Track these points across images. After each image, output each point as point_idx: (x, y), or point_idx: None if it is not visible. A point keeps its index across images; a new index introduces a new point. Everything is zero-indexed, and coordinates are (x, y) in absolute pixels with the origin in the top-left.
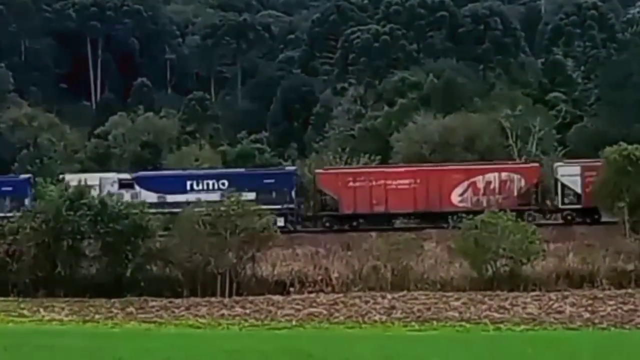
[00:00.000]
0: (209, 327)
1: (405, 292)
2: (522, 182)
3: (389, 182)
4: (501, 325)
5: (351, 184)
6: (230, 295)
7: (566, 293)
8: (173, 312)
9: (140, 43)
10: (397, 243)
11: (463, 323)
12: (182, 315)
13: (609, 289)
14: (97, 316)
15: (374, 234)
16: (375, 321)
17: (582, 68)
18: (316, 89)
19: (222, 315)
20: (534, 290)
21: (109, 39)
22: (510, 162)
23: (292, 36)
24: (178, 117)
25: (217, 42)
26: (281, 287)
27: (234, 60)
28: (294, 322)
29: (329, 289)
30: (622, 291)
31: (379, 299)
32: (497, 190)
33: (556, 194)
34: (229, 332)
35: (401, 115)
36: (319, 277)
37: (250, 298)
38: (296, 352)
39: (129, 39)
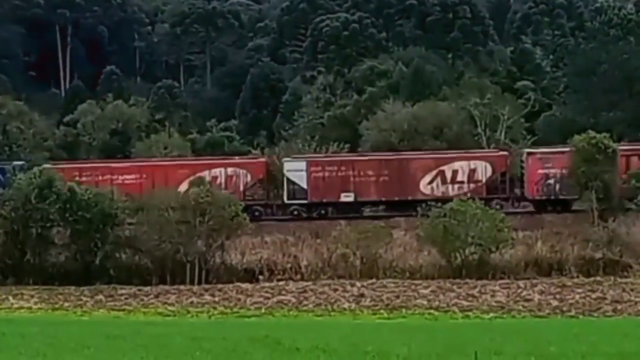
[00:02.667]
0: (178, 315)
1: (374, 280)
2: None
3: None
4: (470, 313)
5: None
6: (199, 283)
7: (535, 281)
8: (142, 299)
9: (109, 31)
10: (366, 231)
11: (432, 311)
12: (151, 303)
13: (577, 277)
14: (66, 304)
15: (343, 222)
16: (344, 309)
17: (551, 56)
18: (285, 77)
19: (191, 303)
20: (502, 278)
21: (77, 27)
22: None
23: (261, 24)
24: (147, 105)
25: (186, 30)
26: (250, 275)
27: (203, 48)
28: (263, 310)
29: (298, 277)
30: (591, 279)
31: (348, 287)
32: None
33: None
34: (198, 319)
35: (370, 104)
36: (288, 265)
37: (220, 286)
38: (265, 340)
39: (98, 27)
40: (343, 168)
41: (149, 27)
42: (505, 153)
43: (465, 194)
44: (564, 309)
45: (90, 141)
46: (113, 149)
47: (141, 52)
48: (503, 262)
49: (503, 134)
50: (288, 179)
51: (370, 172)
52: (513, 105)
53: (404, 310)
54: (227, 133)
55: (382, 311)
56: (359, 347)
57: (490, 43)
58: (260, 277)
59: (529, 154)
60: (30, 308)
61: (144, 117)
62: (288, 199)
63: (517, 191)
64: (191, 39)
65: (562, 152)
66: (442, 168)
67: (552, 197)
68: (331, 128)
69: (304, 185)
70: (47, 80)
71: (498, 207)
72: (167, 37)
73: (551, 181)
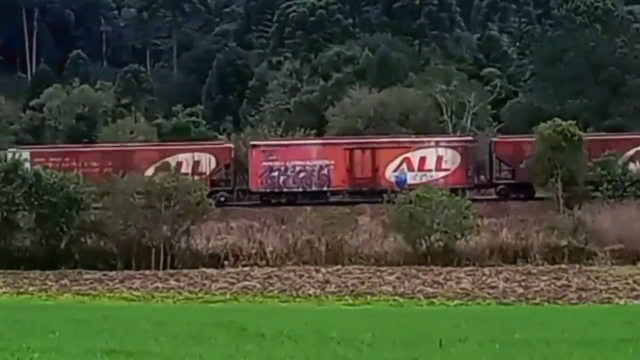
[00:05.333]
0: (143, 300)
1: (339, 266)
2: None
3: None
4: (434, 300)
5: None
6: (164, 268)
7: (500, 268)
8: (107, 284)
9: (75, 15)
10: (331, 217)
11: (396, 297)
12: (116, 288)
13: (543, 265)
14: (31, 288)
15: (308, 208)
16: (309, 295)
17: (518, 44)
18: (252, 63)
19: (156, 288)
20: (467, 265)
21: (44, 11)
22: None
23: (227, 9)
24: (113, 89)
25: (152, 15)
26: (215, 261)
27: (170, 33)
28: (228, 296)
29: (264, 262)
30: (556, 267)
31: (313, 273)
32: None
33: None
34: (163, 304)
35: (336, 90)
36: (254, 251)
37: (185, 271)
38: (230, 325)
39: (65, 11)
40: (67, 159)
41: (116, 12)
42: (230, 145)
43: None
44: (529, 296)
45: (56, 125)
46: (79, 133)
47: (108, 36)
48: (468, 249)
49: (469, 121)
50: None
51: (94, 164)
52: (479, 92)
53: (369, 297)
54: (193, 118)
55: (347, 297)
56: (323, 333)
57: (457, 30)
58: (226, 262)
59: (252, 146)
60: None
61: (110, 102)
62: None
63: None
64: (158, 23)
65: (287, 145)
66: (167, 159)
67: (277, 190)
68: (297, 114)
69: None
70: (13, 64)
71: (222, 199)
72: (134, 22)
73: (275, 173)
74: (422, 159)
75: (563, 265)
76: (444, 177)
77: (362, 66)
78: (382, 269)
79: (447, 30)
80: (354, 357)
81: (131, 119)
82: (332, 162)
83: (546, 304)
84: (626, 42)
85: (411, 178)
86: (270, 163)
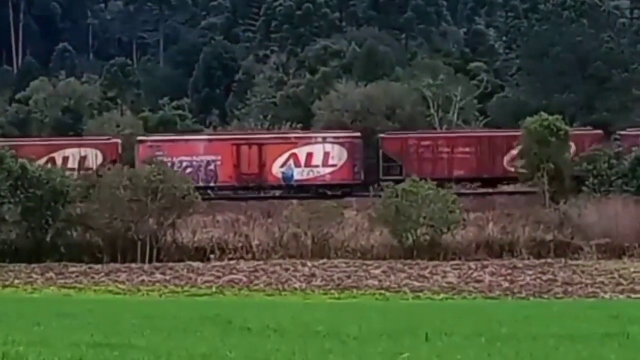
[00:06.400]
0: (129, 293)
1: (325, 260)
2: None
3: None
4: (420, 294)
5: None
6: (150, 262)
7: (486, 262)
8: (93, 277)
9: (62, 8)
10: (317, 211)
11: (382, 291)
12: (102, 281)
13: (528, 259)
14: (16, 281)
15: (294, 201)
16: (295, 289)
17: (504, 38)
18: (238, 56)
19: (142, 281)
20: (453, 259)
21: (30, 4)
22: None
23: (214, 3)
24: (99, 82)
25: (139, 8)
26: (201, 254)
27: (156, 27)
28: (214, 289)
29: (249, 256)
30: (541, 261)
31: (299, 267)
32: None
33: None
34: (149, 298)
35: (323, 83)
36: (240, 244)
37: (170, 264)
38: (216, 319)
39: (51, 3)
40: None
41: (102, 5)
42: (117, 140)
43: (75, 180)
44: (515, 290)
45: (42, 118)
46: (65, 126)
47: (94, 29)
48: (454, 243)
49: (455, 115)
50: None
51: None
52: (466, 86)
53: (354, 290)
54: (180, 111)
55: (333, 291)
56: (309, 327)
57: (444, 24)
58: (212, 256)
59: (139, 141)
60: None
61: (96, 95)
62: None
63: None
64: (144, 17)
65: (173, 140)
66: (53, 155)
67: None
68: (284, 107)
69: None
70: None
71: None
72: (121, 15)
73: None
74: (309, 155)
75: (549, 260)
76: (330, 173)
77: (348, 60)
78: (368, 262)
79: (434, 25)
80: (339, 350)
81: (117, 112)
82: (219, 157)
83: (532, 298)
84: (612, 37)
85: (298, 174)
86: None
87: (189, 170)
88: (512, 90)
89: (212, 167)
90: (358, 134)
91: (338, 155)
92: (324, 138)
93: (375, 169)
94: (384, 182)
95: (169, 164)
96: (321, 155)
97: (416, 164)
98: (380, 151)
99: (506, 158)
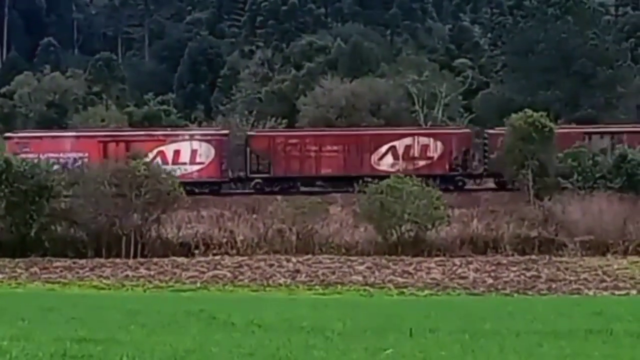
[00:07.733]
0: (113, 288)
1: (310, 255)
2: None
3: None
4: (405, 290)
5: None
6: (135, 257)
7: (470, 259)
8: (77, 272)
9: (47, 2)
10: (302, 207)
11: (367, 287)
12: (87, 276)
13: (513, 255)
14: (0, 276)
15: (279, 197)
16: (280, 284)
17: (489, 35)
18: (223, 52)
19: (127, 276)
20: (438, 255)
21: None
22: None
23: None
24: (84, 77)
25: (124, 3)
26: (186, 249)
27: (142, 22)
28: (198, 284)
29: (234, 251)
30: (526, 257)
31: (284, 263)
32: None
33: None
34: (133, 293)
35: (308, 79)
36: (224, 240)
37: (155, 260)
38: (200, 314)
39: None
40: None
41: None
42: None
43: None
44: (499, 287)
45: (27, 113)
46: (50, 120)
47: (79, 24)
48: (439, 239)
49: (440, 111)
50: None
51: None
52: (451, 82)
53: (339, 286)
54: (165, 106)
55: (317, 287)
56: (294, 323)
57: (429, 20)
58: (196, 251)
59: (7, 137)
60: None
61: (81, 90)
62: None
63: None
64: (130, 11)
65: (40, 137)
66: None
67: None
68: (269, 103)
69: None
70: None
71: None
72: (106, 10)
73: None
74: (177, 152)
75: (533, 256)
76: (198, 171)
77: (334, 56)
78: (353, 258)
79: (419, 21)
80: (324, 346)
81: (102, 107)
82: (86, 154)
83: (516, 294)
84: (597, 34)
85: None
86: (24, 155)
87: (55, 167)
88: (497, 86)
89: (79, 164)
90: (226, 131)
91: (205, 153)
92: (192, 136)
93: (244, 166)
94: (252, 181)
95: (35, 161)
96: (189, 153)
97: (284, 162)
98: (249, 149)
99: (374, 157)
